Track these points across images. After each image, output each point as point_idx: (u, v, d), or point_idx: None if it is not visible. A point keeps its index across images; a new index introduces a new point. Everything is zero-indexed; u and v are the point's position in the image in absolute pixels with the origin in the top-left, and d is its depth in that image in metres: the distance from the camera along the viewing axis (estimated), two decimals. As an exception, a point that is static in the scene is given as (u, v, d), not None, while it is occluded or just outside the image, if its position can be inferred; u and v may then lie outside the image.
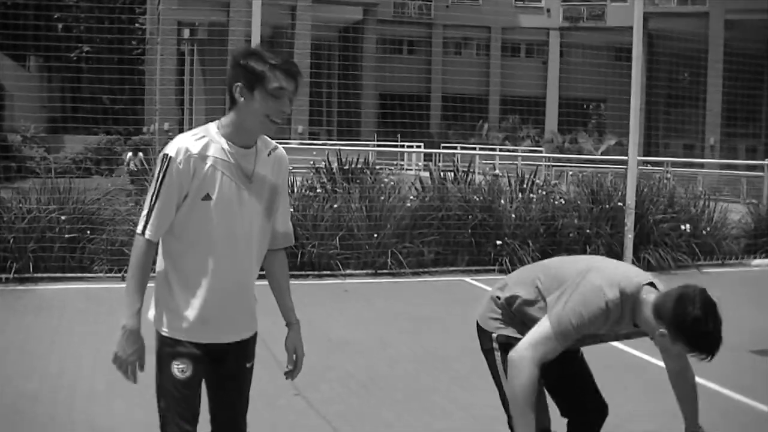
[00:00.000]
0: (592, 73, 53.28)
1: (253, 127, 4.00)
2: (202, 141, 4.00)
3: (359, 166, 16.89)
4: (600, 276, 4.23)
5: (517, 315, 4.61)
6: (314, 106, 52.85)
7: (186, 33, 51.83)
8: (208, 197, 3.95)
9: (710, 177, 32.21)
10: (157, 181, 3.96)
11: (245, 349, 4.27)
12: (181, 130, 38.08)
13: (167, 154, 3.95)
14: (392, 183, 15.54)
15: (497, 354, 4.70)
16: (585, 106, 66.10)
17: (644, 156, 36.05)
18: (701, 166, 36.37)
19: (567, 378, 4.57)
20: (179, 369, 4.04)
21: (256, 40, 13.31)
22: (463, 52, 66.10)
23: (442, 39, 63.14)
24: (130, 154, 30.01)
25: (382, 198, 14.51)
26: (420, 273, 14.02)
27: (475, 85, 61.17)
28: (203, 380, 4.17)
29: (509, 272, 13.73)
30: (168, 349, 4.06)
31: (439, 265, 14.32)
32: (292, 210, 13.55)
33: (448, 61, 62.85)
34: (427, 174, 17.13)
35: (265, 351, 9.01)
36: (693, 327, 3.91)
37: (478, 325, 4.88)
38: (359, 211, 14.12)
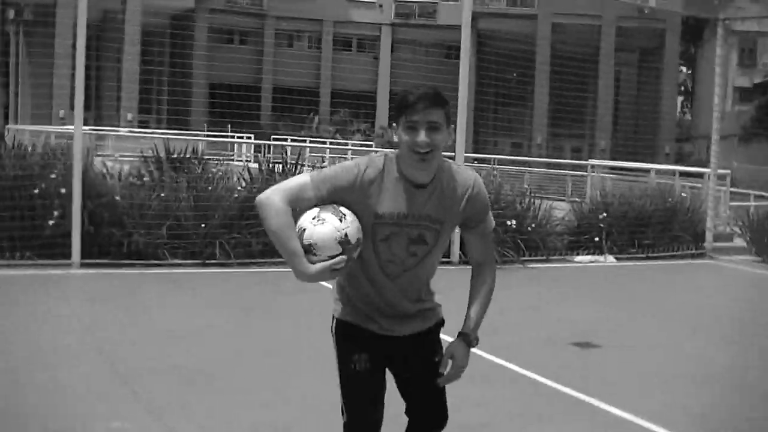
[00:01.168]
0: (423, 69, 53.89)
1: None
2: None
3: (187, 155, 16.71)
4: None
5: None
6: (144, 93, 52.19)
7: (11, 13, 50.46)
8: None
9: (536, 175, 32.99)
10: None
11: None
12: (7, 114, 36.99)
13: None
14: (220, 173, 15.43)
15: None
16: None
17: (472, 153, 36.66)
18: (528, 164, 37.14)
19: (418, 382, 4.42)
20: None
21: (82, 24, 13.03)
22: (295, 45, 66.13)
23: (275, 30, 63.07)
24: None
25: (210, 188, 14.39)
26: (248, 264, 13.93)
27: (307, 77, 61.31)
28: None
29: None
30: None
31: (267, 255, 14.21)
32: (118, 198, 13.36)
33: (280, 52, 62.80)
34: (256, 165, 17.04)
35: (90, 344, 8.88)
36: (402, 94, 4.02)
37: None
38: (187, 201, 13.96)
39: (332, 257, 3.90)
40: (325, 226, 3.91)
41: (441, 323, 4.43)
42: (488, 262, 4.37)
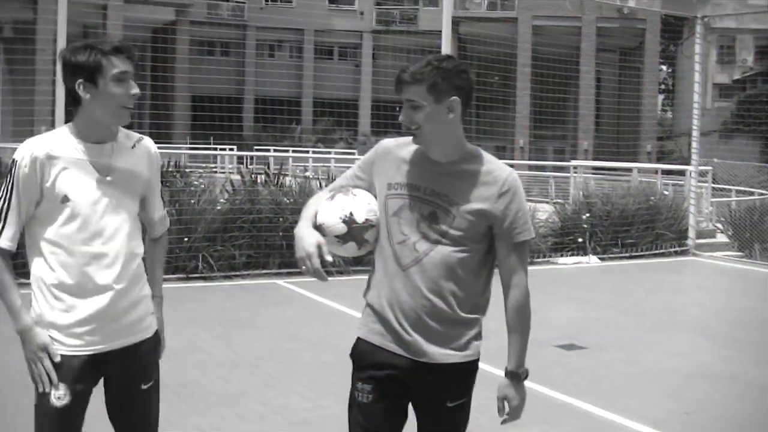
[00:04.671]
0: (405, 75, 53.70)
1: (106, 119, 3.87)
2: (51, 143, 3.83)
3: (169, 168, 16.70)
4: None
5: None
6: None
7: (-9, 31, 50.33)
8: (66, 199, 3.79)
9: (520, 178, 32.95)
10: (6, 186, 3.81)
11: (135, 359, 4.05)
12: (-13, 132, 36.26)
13: (14, 159, 3.81)
14: (202, 185, 15.39)
15: None
16: (397, 109, 66.77)
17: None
18: (511, 167, 37.02)
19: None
20: (56, 396, 3.83)
21: (62, 39, 13.01)
22: (277, 54, 66.04)
23: (256, 41, 62.97)
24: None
25: (192, 201, 14.35)
26: (232, 276, 13.91)
27: (289, 87, 61.21)
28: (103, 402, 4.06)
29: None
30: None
31: (250, 267, 14.22)
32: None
33: (262, 63, 62.72)
34: (238, 177, 17.04)
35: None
36: None
37: None
38: (169, 215, 13.89)
39: (339, 238, 3.82)
40: (332, 203, 3.86)
41: (475, 364, 3.98)
42: (518, 281, 3.93)
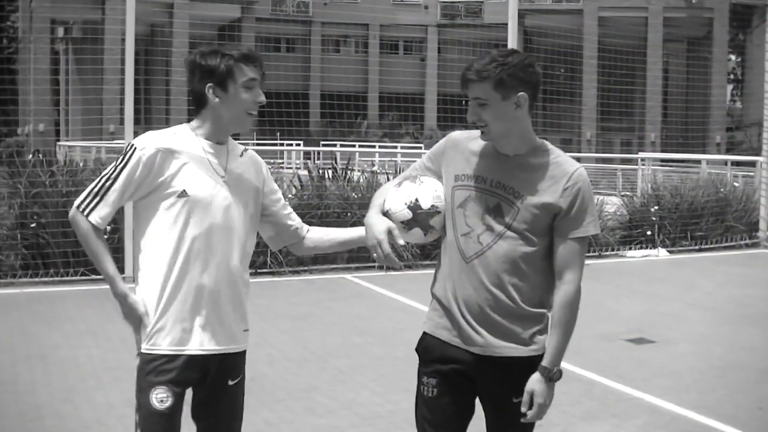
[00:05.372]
0: (470, 69, 53.40)
1: (230, 124, 3.96)
2: (173, 137, 3.91)
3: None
4: None
5: None
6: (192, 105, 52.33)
7: (60, 31, 50.86)
8: (184, 194, 3.85)
9: (587, 170, 32.78)
10: (117, 167, 3.87)
11: (229, 358, 4.05)
12: (57, 131, 37.09)
13: (133, 144, 3.87)
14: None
15: None
16: (463, 102, 66.51)
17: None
18: (578, 159, 36.86)
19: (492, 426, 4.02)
20: (158, 399, 3.84)
21: (130, 38, 13.14)
22: (342, 50, 66.23)
23: (321, 36, 63.14)
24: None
25: (261, 197, 14.41)
26: (300, 271, 13.98)
27: (354, 82, 61.32)
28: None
29: (388, 269, 13.93)
30: (149, 370, 3.88)
31: (318, 263, 14.29)
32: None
33: (327, 58, 62.87)
34: (305, 172, 17.10)
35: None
36: None
37: None
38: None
39: (405, 224, 3.86)
40: (399, 190, 3.91)
41: (540, 359, 3.83)
42: (571, 277, 3.82)
